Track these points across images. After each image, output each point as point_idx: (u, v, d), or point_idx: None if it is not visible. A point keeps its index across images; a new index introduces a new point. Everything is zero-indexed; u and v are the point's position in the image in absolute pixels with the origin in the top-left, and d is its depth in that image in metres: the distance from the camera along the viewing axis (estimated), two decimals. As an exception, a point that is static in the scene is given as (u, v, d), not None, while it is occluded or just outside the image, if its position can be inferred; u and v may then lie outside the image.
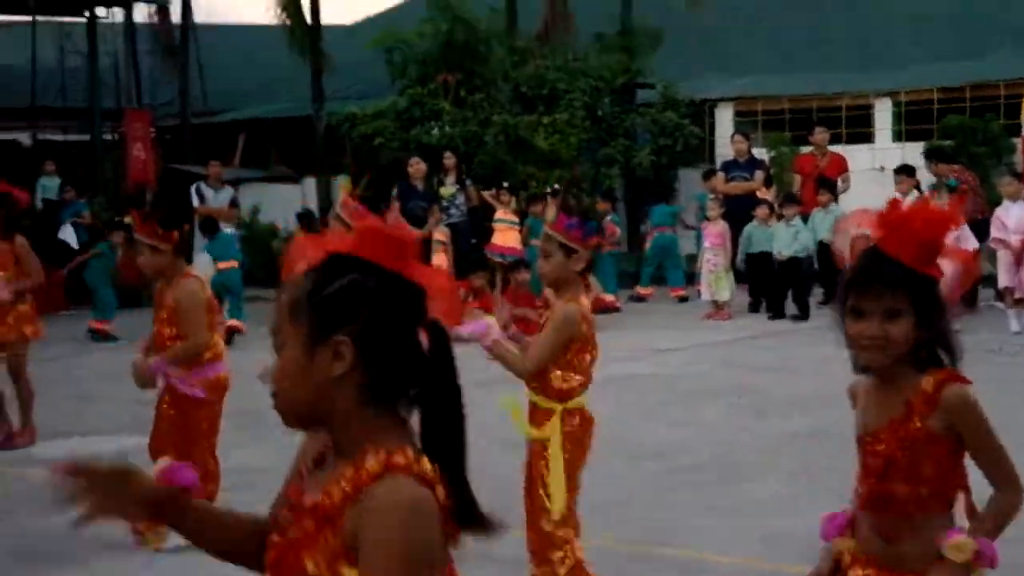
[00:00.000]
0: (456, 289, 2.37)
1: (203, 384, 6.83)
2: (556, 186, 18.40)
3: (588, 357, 5.53)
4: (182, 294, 6.78)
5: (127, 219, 13.46)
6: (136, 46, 24.19)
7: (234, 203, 17.80)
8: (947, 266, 3.30)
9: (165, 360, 6.74)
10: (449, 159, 18.13)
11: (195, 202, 17.16)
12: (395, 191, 17.60)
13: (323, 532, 2.17)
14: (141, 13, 24.90)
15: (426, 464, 2.17)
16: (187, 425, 6.88)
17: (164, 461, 2.46)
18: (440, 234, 16.99)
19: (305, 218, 17.11)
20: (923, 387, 3.27)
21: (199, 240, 16.31)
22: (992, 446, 3.30)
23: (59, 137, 24.30)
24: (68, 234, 18.59)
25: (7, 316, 9.53)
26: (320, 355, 2.20)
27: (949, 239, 3.31)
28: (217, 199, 17.45)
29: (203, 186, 17.60)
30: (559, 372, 5.45)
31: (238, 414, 9.55)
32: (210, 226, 16.73)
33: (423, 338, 2.25)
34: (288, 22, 23.27)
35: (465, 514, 2.22)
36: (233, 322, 15.88)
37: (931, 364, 3.30)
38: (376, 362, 2.21)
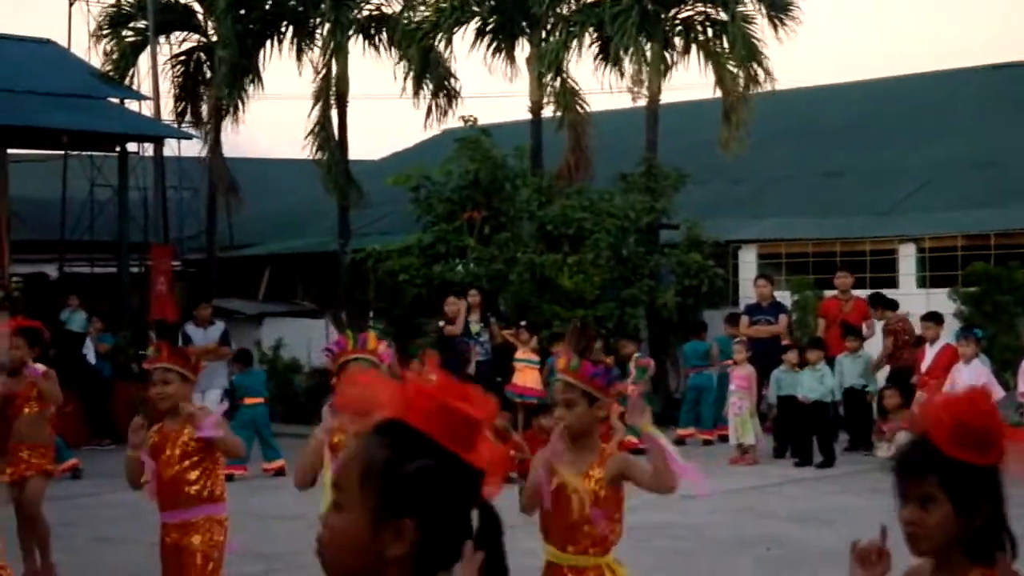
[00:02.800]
0: (507, 465, 2.34)
1: (207, 521, 6.79)
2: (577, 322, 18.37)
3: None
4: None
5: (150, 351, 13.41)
6: (165, 180, 24.52)
7: (225, 340, 17.69)
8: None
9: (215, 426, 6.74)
10: (474, 297, 18.16)
11: (180, 344, 17.07)
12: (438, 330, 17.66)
13: None
14: (171, 148, 25.24)
15: None
16: (188, 563, 6.81)
17: None
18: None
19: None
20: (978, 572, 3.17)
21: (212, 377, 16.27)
22: None
23: (86, 270, 24.51)
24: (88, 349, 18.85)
25: (23, 451, 9.49)
26: (383, 532, 2.22)
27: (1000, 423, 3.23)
28: (206, 337, 17.27)
29: (189, 327, 17.52)
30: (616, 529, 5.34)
31: (263, 559, 9.50)
32: (245, 358, 16.76)
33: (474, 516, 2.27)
34: (324, 158, 23.55)
35: None
36: (278, 464, 15.82)
37: (988, 556, 3.19)
38: (432, 543, 2.22)
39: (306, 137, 23.65)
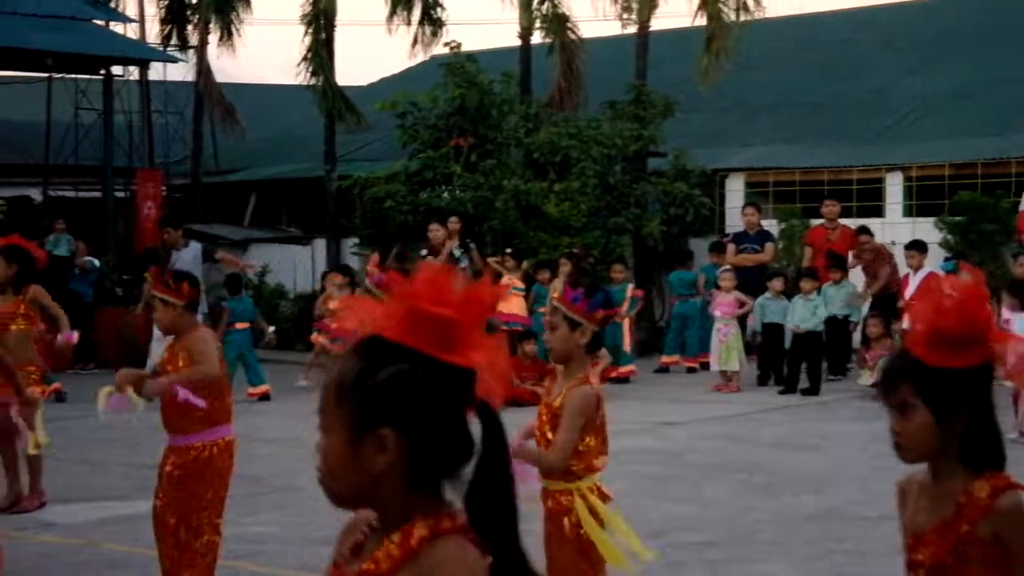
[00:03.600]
0: (506, 363, 2.25)
1: (212, 446, 6.73)
2: (573, 250, 18.45)
3: (597, 439, 5.44)
4: (195, 342, 6.76)
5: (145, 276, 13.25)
6: (151, 105, 24.34)
7: (206, 259, 17.59)
8: (1011, 351, 3.15)
9: (175, 380, 6.62)
10: (454, 223, 18.02)
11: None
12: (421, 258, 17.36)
13: None
14: (157, 72, 25.03)
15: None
16: (190, 489, 6.76)
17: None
18: None
19: None
20: (976, 491, 3.14)
21: None
22: None
23: (71, 194, 24.38)
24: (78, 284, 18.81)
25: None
26: (364, 446, 2.17)
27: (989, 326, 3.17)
28: (180, 259, 17.02)
29: (157, 250, 17.29)
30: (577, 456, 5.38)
31: (249, 481, 9.54)
32: (234, 284, 16.70)
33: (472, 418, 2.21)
34: (317, 83, 23.24)
35: None
36: (262, 389, 15.85)
37: (985, 464, 3.16)
38: (421, 450, 2.17)
39: (299, 63, 23.36)
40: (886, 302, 16.10)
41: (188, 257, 16.99)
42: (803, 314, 15.86)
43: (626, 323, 17.29)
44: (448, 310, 2.17)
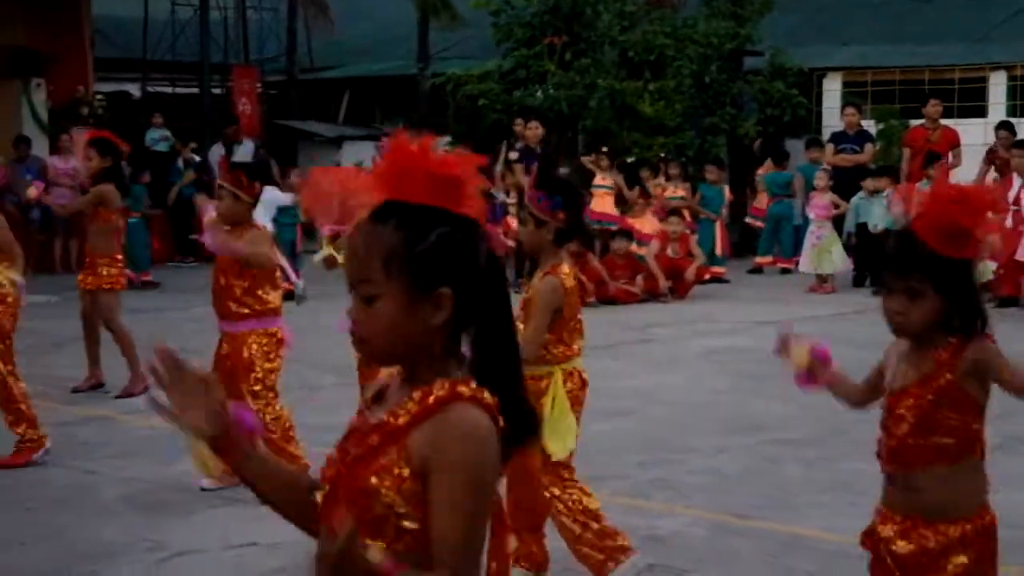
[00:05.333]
0: (483, 205, 2.37)
1: (255, 334, 6.92)
2: (662, 155, 18.43)
3: (573, 324, 5.50)
4: (250, 235, 6.93)
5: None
6: (245, 1, 24.41)
7: (257, 158, 17.73)
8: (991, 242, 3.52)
9: (228, 243, 6.88)
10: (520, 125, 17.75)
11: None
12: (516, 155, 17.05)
13: (386, 448, 2.25)
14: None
15: (487, 395, 2.26)
16: (237, 376, 6.95)
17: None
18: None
19: None
20: (951, 343, 3.51)
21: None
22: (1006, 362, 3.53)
23: (168, 89, 24.61)
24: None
25: (97, 265, 9.72)
26: (423, 307, 2.28)
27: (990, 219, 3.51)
28: (235, 156, 17.05)
29: (216, 147, 17.34)
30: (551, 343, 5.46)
31: (325, 370, 9.69)
32: None
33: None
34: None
35: (521, 430, 2.31)
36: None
37: (963, 331, 3.50)
38: (466, 305, 2.29)
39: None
40: None
41: (245, 153, 17.08)
42: (880, 212, 15.69)
43: (719, 225, 17.26)
44: (455, 168, 2.29)
